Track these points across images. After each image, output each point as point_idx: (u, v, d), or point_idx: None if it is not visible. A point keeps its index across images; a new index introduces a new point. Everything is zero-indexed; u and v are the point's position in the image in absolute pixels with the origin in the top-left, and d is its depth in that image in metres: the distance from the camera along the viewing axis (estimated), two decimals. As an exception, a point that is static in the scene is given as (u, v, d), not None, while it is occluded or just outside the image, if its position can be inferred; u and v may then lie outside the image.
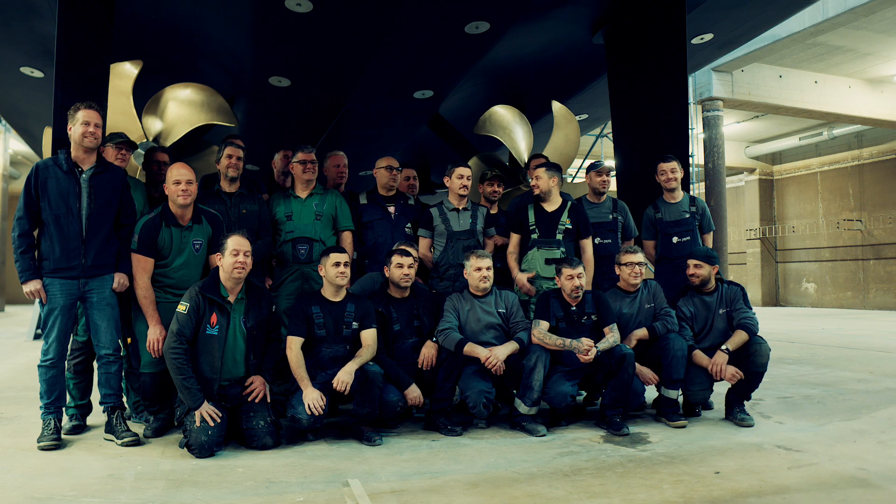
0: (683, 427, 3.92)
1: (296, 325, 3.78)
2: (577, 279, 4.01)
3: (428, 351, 4.02)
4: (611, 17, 5.89)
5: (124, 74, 5.46)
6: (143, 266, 3.78)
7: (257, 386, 3.66)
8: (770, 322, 12.73)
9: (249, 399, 3.63)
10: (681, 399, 4.17)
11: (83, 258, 3.62)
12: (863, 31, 11.89)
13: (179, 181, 3.80)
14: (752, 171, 20.69)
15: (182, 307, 3.55)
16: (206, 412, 3.42)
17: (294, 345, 3.74)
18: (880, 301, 17.83)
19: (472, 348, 3.88)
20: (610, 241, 4.85)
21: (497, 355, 3.84)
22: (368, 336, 3.83)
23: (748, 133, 18.93)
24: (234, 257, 3.56)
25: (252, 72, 6.51)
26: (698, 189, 17.56)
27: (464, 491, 2.79)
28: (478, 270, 4.10)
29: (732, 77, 13.94)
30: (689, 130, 6.41)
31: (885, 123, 15.70)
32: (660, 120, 5.57)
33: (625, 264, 4.24)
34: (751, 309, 4.20)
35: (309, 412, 3.53)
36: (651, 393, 4.37)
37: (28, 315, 10.44)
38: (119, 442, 3.60)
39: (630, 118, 5.93)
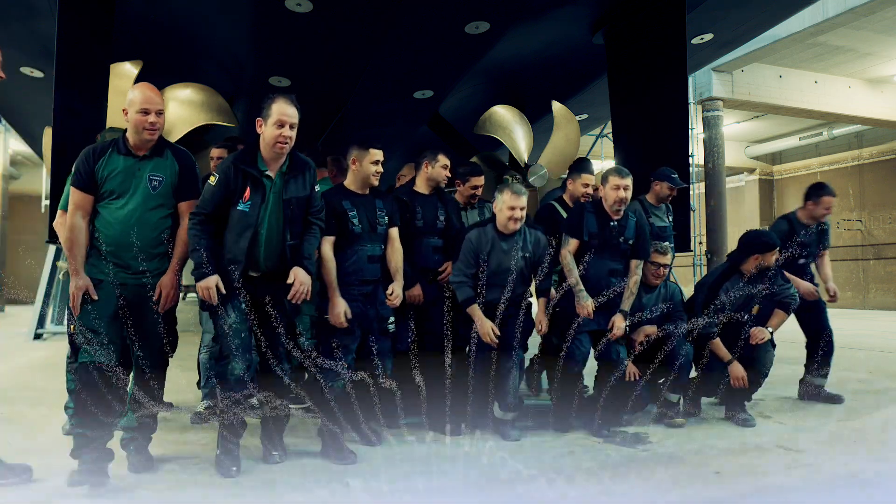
0: (681, 427, 3.93)
1: (327, 223, 3.34)
2: (622, 191, 3.67)
3: (417, 291, 3.85)
4: (611, 17, 5.88)
5: (124, 74, 5.45)
6: (76, 202, 2.95)
7: (298, 287, 3.06)
8: (770, 322, 12.69)
9: (292, 299, 3.07)
10: (681, 402, 4.18)
11: None
12: (863, 31, 11.88)
13: (148, 111, 2.94)
14: (752, 171, 20.67)
15: (212, 178, 3.02)
16: (212, 286, 2.91)
17: (327, 244, 3.36)
18: (880, 301, 17.81)
19: (473, 311, 3.62)
20: None
21: (493, 332, 3.59)
22: (396, 235, 3.60)
23: (748, 133, 18.92)
24: (278, 129, 3.00)
25: (252, 72, 6.51)
26: (698, 189, 17.55)
27: (464, 491, 2.79)
28: (511, 209, 3.59)
29: (732, 77, 13.92)
30: (690, 130, 6.39)
31: (885, 123, 15.68)
32: (660, 120, 5.57)
33: (648, 262, 4.18)
34: (788, 282, 4.22)
35: (339, 321, 3.31)
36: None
37: (28, 315, 10.43)
38: None
39: (630, 118, 5.92)
